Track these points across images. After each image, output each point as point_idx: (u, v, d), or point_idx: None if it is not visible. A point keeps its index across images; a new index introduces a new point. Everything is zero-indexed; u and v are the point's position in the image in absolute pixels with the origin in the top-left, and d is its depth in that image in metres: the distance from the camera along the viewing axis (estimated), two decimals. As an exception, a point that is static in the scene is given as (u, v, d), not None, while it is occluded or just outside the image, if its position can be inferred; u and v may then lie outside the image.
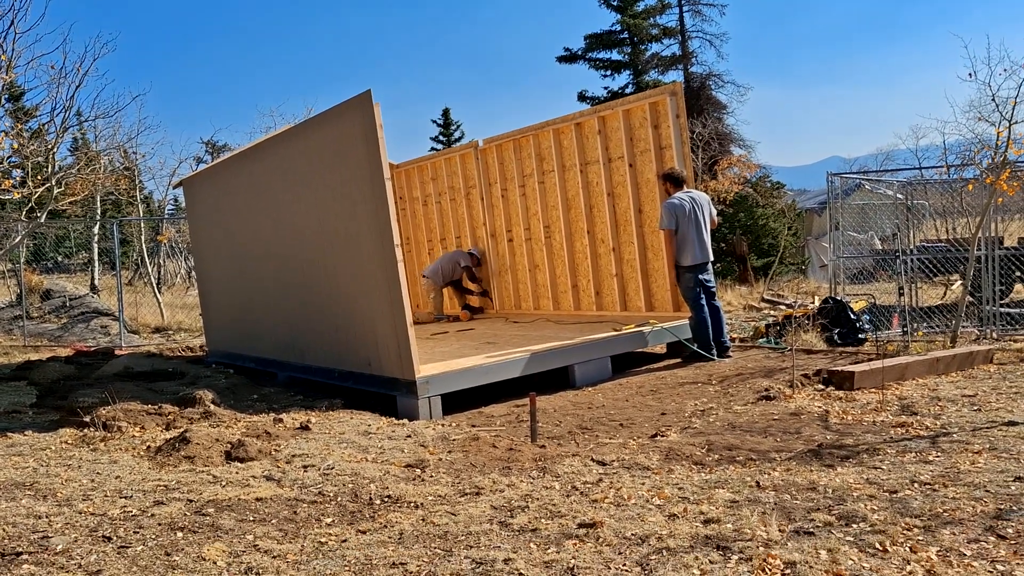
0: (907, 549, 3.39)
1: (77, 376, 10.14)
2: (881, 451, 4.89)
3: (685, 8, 36.84)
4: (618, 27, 36.02)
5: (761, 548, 3.44)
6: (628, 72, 36.63)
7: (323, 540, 3.89)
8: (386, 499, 4.52)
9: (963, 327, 9.01)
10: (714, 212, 8.98)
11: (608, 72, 36.99)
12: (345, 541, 3.86)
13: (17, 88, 22.83)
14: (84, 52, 16.16)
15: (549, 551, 3.60)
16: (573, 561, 3.45)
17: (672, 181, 8.95)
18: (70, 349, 13.64)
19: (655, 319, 9.34)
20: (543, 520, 4.00)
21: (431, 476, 4.99)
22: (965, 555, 3.31)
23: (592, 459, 5.15)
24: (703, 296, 8.76)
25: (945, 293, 14.05)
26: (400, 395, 7.22)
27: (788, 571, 3.22)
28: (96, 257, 22.13)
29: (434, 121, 51.25)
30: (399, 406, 7.21)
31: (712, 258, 8.84)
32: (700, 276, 8.72)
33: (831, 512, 3.85)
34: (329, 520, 4.22)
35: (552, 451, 5.47)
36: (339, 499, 4.57)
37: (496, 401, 7.53)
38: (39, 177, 10.27)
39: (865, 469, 4.54)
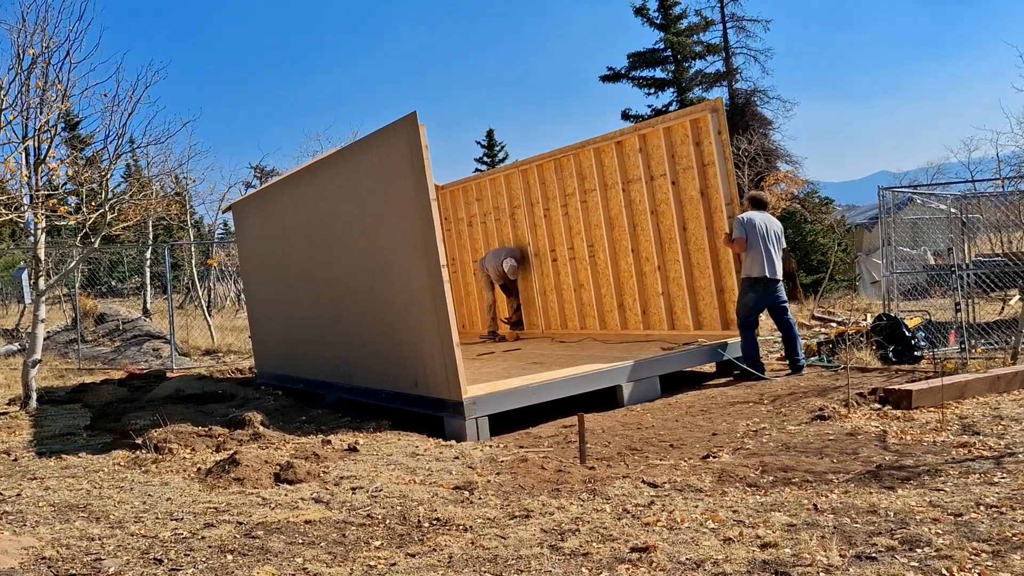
0: (975, 575, 3.26)
1: (129, 398, 10.29)
2: (943, 472, 4.73)
3: (729, 25, 36.71)
4: (661, 45, 35.99)
5: (822, 574, 3.33)
6: (672, 90, 36.55)
7: (372, 563, 3.86)
8: (435, 522, 4.48)
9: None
10: (783, 242, 8.91)
11: (652, 90, 36.95)
12: (394, 564, 3.83)
13: (73, 117, 23.44)
14: (136, 80, 16.53)
15: (601, 576, 3.52)
16: (626, 586, 3.37)
17: (752, 202, 9.11)
18: (123, 372, 13.87)
19: (703, 338, 9.21)
20: (594, 544, 3.93)
21: (480, 498, 4.94)
22: (1038, 582, 3.17)
23: (643, 481, 5.06)
24: (758, 317, 8.74)
25: (1003, 308, 13.68)
26: (447, 416, 7.20)
27: (851, 598, 3.11)
28: (148, 281, 22.54)
29: (478, 142, 51.62)
30: (446, 427, 7.18)
31: (780, 277, 8.73)
32: (764, 294, 8.61)
33: (893, 536, 3.72)
34: (378, 543, 4.19)
35: (602, 473, 5.38)
36: (388, 522, 4.54)
37: (543, 421, 7.47)
38: (93, 203, 10.48)
39: (927, 491, 4.40)
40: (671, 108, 35.01)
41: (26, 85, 9.27)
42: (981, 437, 5.48)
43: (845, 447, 5.55)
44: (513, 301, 12.69)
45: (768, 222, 8.75)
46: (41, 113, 9.45)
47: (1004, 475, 4.58)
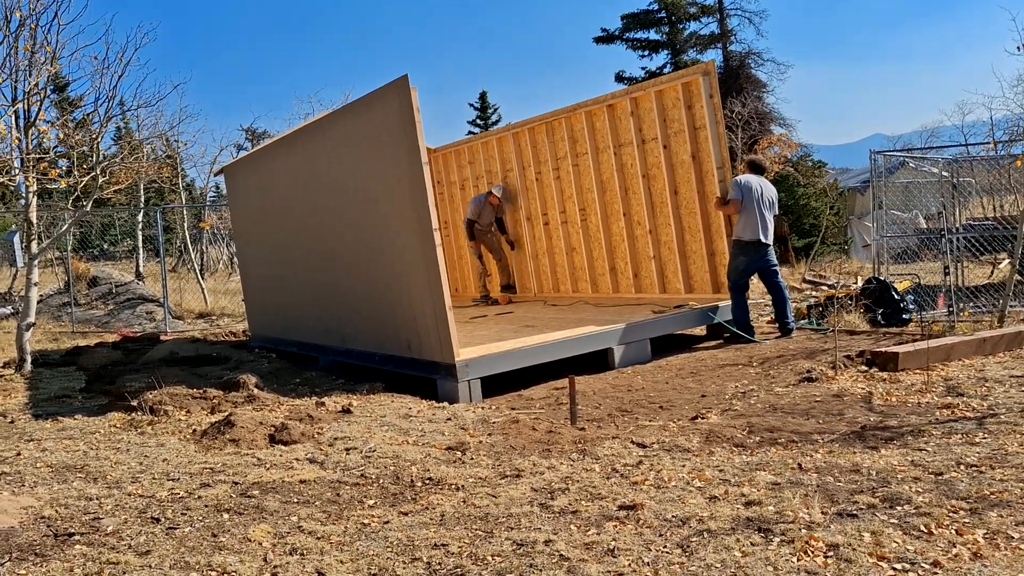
0: (953, 532, 3.35)
1: (124, 361, 10.34)
2: (926, 433, 4.82)
3: (723, -14, 36.38)
4: (655, 6, 35.71)
5: (803, 530, 3.42)
6: (666, 52, 36.33)
7: (366, 522, 3.94)
8: (427, 481, 4.57)
9: (1011, 306, 8.83)
10: (777, 208, 8.95)
11: (646, 52, 36.72)
12: (387, 523, 3.91)
13: (62, 79, 23.25)
14: (126, 42, 16.36)
15: (590, 533, 3.61)
16: (614, 543, 3.46)
17: (750, 166, 9.17)
18: (117, 335, 13.91)
19: (694, 301, 9.28)
20: (583, 502, 4.02)
21: (472, 459, 5.02)
22: (1013, 538, 3.26)
23: (632, 441, 5.15)
24: (748, 280, 8.81)
25: (992, 272, 13.77)
26: (440, 378, 7.27)
27: (831, 554, 3.21)
28: (140, 244, 22.50)
29: (471, 105, 51.24)
30: (439, 389, 7.25)
31: (772, 242, 8.78)
32: (756, 258, 8.66)
33: (875, 494, 3.81)
34: (371, 502, 4.27)
35: (592, 433, 5.47)
36: (381, 481, 4.62)
37: (535, 383, 7.55)
38: (84, 166, 10.45)
39: (910, 451, 4.49)
40: (665, 70, 34.83)
41: (14, 48, 9.19)
42: (965, 399, 5.57)
43: (831, 408, 5.64)
44: (504, 264, 12.62)
45: (764, 186, 8.78)
46: (30, 75, 9.38)
47: (985, 435, 4.67)
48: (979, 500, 3.67)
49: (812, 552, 3.22)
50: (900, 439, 4.74)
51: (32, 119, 9.56)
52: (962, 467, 4.14)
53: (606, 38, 37.04)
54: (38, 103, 9.66)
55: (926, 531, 3.37)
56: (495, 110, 50.73)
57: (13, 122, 9.44)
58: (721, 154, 9.23)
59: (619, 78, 36.42)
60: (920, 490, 3.84)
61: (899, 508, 3.63)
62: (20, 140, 9.52)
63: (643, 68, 36.67)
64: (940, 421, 5.08)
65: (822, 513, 3.62)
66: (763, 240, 8.64)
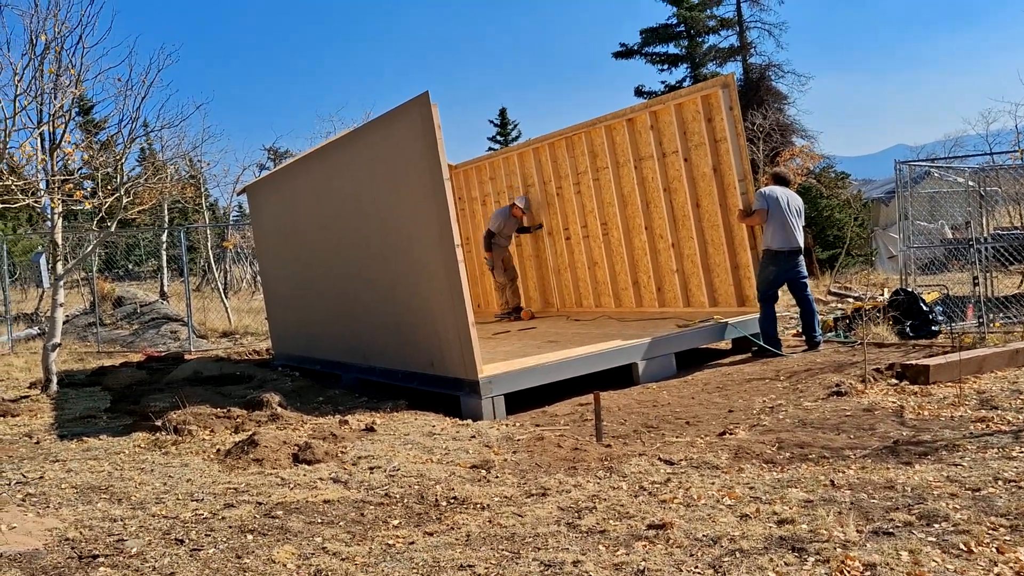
0: (993, 550, 3.25)
1: (148, 381, 10.38)
2: (961, 447, 4.71)
3: (742, -2, 36.31)
4: (674, 20, 35.71)
5: (838, 549, 3.33)
6: (685, 65, 36.30)
7: (391, 542, 3.89)
8: (452, 500, 4.51)
9: (1043, 317, 8.68)
10: (803, 218, 8.82)
11: (665, 66, 36.71)
12: (412, 543, 3.86)
13: (86, 101, 23.54)
14: (149, 64, 16.60)
15: (618, 553, 3.54)
16: (643, 563, 3.38)
17: (774, 179, 9.16)
18: (141, 355, 13.99)
19: (719, 314, 9.18)
20: (611, 521, 3.95)
21: (497, 477, 4.96)
22: (1057, 556, 3.15)
23: (659, 458, 5.07)
24: (777, 292, 8.68)
25: (1022, 282, 13.57)
26: (463, 395, 7.22)
27: (868, 573, 3.12)
28: (164, 264, 22.68)
29: (491, 121, 51.38)
30: (463, 406, 7.21)
31: (801, 248, 8.66)
32: (786, 267, 8.55)
33: (911, 511, 3.72)
34: (396, 522, 4.22)
35: (618, 450, 5.40)
36: (405, 501, 4.57)
37: (559, 400, 7.48)
38: (109, 188, 10.55)
39: (945, 466, 4.39)
40: (685, 84, 34.79)
41: (40, 70, 9.30)
42: (999, 412, 5.45)
43: (862, 423, 5.54)
44: (516, 286, 12.44)
45: (791, 197, 8.70)
46: (55, 98, 9.49)
47: (1023, 449, 4.55)
48: (1019, 516, 3.56)
49: (848, 572, 3.13)
50: (934, 454, 4.64)
51: (57, 141, 9.66)
52: (1000, 482, 4.03)
53: (625, 53, 37.07)
54: (63, 125, 9.76)
55: (966, 549, 3.27)
56: (515, 126, 50.86)
57: (39, 144, 9.55)
58: (743, 166, 9.16)
59: (639, 92, 36.42)
60: (957, 507, 3.74)
61: (936, 525, 3.54)
62: (46, 162, 9.62)
63: (662, 82, 36.67)
64: (975, 435, 4.97)
65: (857, 531, 3.53)
66: (793, 247, 8.52)
